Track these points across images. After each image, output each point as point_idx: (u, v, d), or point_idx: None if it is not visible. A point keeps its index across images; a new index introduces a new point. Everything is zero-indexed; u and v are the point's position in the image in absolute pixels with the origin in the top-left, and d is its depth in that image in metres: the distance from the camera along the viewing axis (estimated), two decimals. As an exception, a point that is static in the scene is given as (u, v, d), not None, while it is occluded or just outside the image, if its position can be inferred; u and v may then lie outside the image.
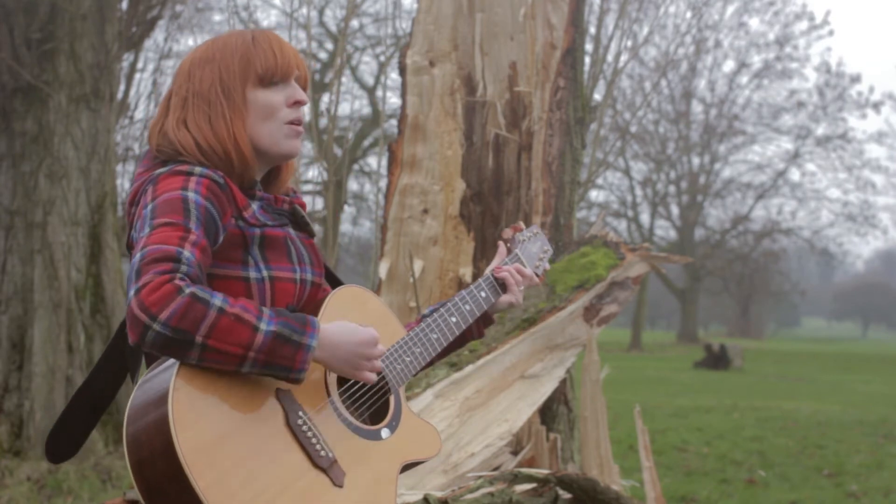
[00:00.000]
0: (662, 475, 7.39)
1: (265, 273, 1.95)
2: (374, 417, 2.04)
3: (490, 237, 5.00)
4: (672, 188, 36.56)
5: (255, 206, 1.99)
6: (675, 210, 37.01)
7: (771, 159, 37.40)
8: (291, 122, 2.03)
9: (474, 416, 4.13)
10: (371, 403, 2.04)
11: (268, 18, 22.24)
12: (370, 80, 23.53)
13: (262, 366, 1.74)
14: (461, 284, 4.93)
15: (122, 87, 9.29)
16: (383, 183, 6.03)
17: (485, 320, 2.35)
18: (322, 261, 2.12)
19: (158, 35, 10.74)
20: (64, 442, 2.02)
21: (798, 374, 21.78)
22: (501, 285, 2.35)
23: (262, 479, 1.74)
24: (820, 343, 49.15)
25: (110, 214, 7.95)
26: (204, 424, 1.70)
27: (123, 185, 10.12)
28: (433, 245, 5.03)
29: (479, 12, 5.13)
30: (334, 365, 1.87)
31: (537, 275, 2.44)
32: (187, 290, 1.69)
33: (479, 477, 3.64)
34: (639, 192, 35.71)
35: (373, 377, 1.92)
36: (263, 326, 1.73)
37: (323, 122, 8.26)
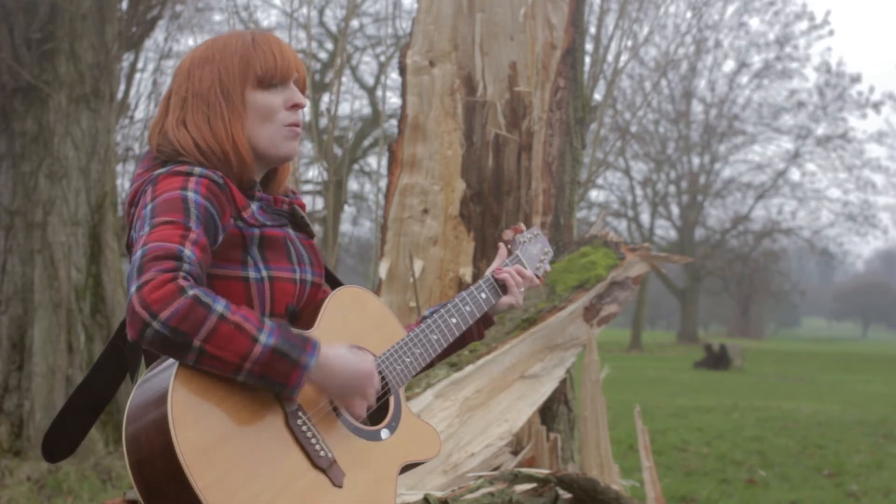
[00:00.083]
0: (662, 475, 7.39)
1: (264, 273, 1.95)
2: (374, 418, 2.03)
3: (490, 237, 5.00)
4: (672, 188, 36.58)
5: (254, 206, 1.99)
6: (675, 210, 37.03)
7: (771, 159, 37.45)
8: (290, 125, 2.03)
9: (474, 416, 4.13)
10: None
11: (268, 18, 22.25)
12: (370, 80, 23.55)
13: (257, 377, 1.74)
14: (461, 284, 4.93)
15: (122, 87, 9.29)
16: (383, 183, 6.03)
17: (485, 322, 2.35)
18: (322, 261, 2.12)
19: (158, 35, 10.74)
20: (61, 441, 2.02)
21: (798, 374, 21.77)
22: (502, 287, 2.34)
23: (261, 480, 1.74)
24: (820, 343, 49.15)
25: (110, 214, 7.95)
26: (203, 424, 1.70)
27: (123, 185, 10.12)
28: (433, 245, 5.03)
29: (479, 12, 5.13)
30: (329, 389, 1.87)
31: (538, 276, 2.44)
32: (190, 292, 1.69)
33: (479, 477, 3.64)
34: (639, 191, 35.74)
35: (363, 412, 1.92)
36: (263, 339, 1.72)
37: (323, 122, 8.26)
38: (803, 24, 47.51)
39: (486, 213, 5.03)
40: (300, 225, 2.10)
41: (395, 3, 11.51)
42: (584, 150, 5.30)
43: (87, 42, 7.80)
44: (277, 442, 1.79)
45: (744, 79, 34.38)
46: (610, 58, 6.79)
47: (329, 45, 21.98)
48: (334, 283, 2.15)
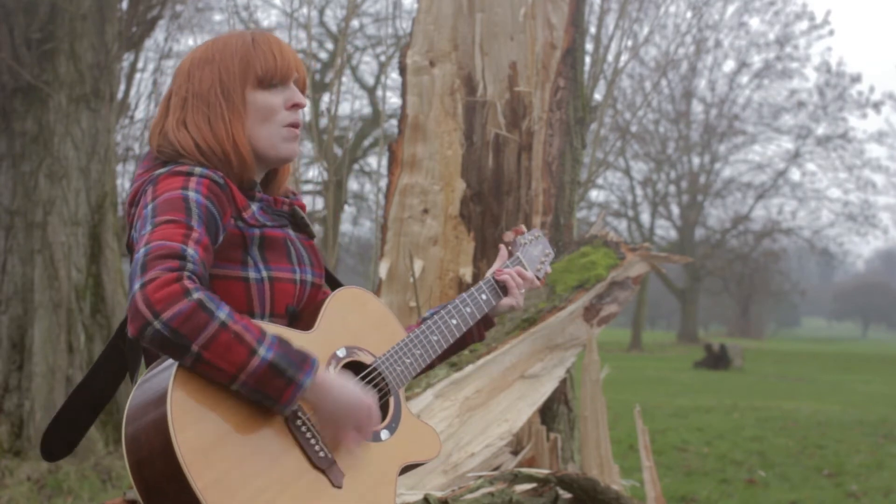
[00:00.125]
0: (662, 475, 7.39)
1: (265, 273, 1.95)
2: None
3: (490, 237, 5.00)
4: (672, 188, 36.58)
5: (254, 206, 1.99)
6: (675, 210, 37.03)
7: (771, 159, 37.43)
8: (289, 125, 2.03)
9: (474, 416, 4.13)
10: (371, 405, 2.03)
11: (268, 18, 22.25)
12: (370, 80, 23.56)
13: (251, 389, 1.73)
14: (461, 284, 4.93)
15: (122, 87, 9.29)
16: (383, 183, 6.03)
17: (485, 323, 2.34)
18: (322, 262, 2.12)
19: (158, 35, 10.73)
20: (60, 440, 2.02)
21: (798, 374, 21.78)
22: (502, 288, 2.34)
23: (260, 480, 1.74)
24: (820, 343, 49.15)
25: (110, 214, 7.95)
26: (203, 425, 1.70)
27: (123, 185, 10.13)
28: (433, 245, 5.03)
29: (479, 12, 5.13)
30: (321, 412, 1.83)
31: (538, 278, 2.43)
32: (195, 295, 1.69)
33: (479, 477, 3.64)
34: (639, 191, 35.74)
35: (354, 446, 1.87)
36: (262, 352, 1.72)
37: (323, 122, 8.26)
38: (803, 24, 47.51)
39: (486, 213, 5.03)
40: (300, 226, 2.10)
41: (395, 3, 11.52)
42: (584, 150, 5.30)
43: (87, 42, 7.80)
44: (277, 442, 1.79)
45: (744, 79, 34.42)
46: (610, 58, 6.80)
47: (329, 45, 21.99)
48: (334, 284, 2.15)
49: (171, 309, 1.67)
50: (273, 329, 1.82)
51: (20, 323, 7.48)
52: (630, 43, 9.51)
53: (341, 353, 1.98)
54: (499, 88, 5.08)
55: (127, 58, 9.22)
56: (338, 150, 14.42)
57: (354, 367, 2.02)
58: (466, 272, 4.94)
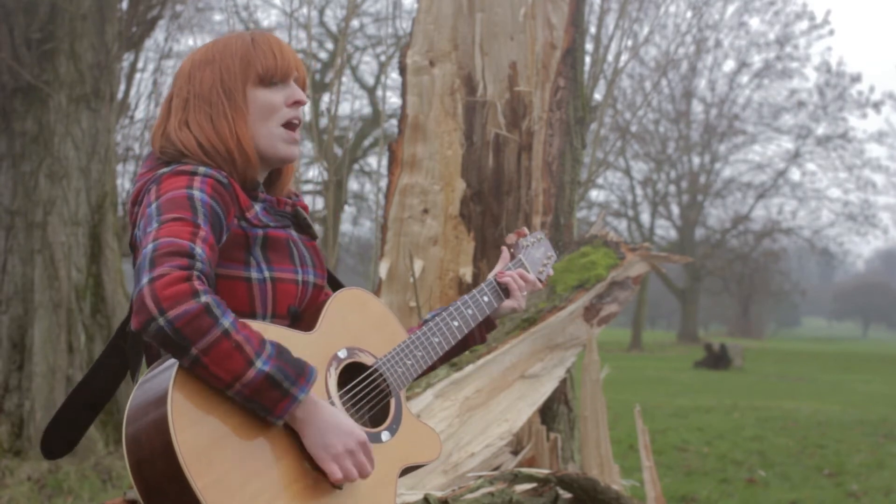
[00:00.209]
0: (662, 475, 7.39)
1: (267, 274, 1.95)
2: (375, 420, 2.03)
3: (490, 237, 5.00)
4: (672, 188, 36.57)
5: (257, 207, 1.99)
6: (675, 210, 37.02)
7: (771, 159, 37.42)
8: (291, 121, 2.03)
9: (474, 416, 4.13)
10: (371, 406, 2.03)
11: (268, 18, 22.27)
12: (370, 80, 23.56)
13: (246, 398, 1.73)
14: (461, 284, 4.93)
15: (122, 87, 9.29)
16: (383, 183, 6.04)
17: (487, 325, 2.34)
18: (324, 263, 2.12)
19: (158, 35, 10.73)
20: (60, 438, 2.02)
21: (798, 374, 21.77)
22: (504, 290, 2.34)
23: (260, 480, 1.74)
24: (820, 343, 49.14)
25: (110, 214, 7.95)
26: (203, 425, 1.70)
27: (124, 185, 10.12)
28: (433, 245, 5.03)
29: (479, 12, 5.13)
30: (309, 432, 1.79)
31: (540, 280, 2.43)
32: (203, 298, 1.69)
33: (480, 477, 3.64)
34: (639, 191, 35.74)
35: (337, 473, 1.79)
36: (259, 364, 1.72)
37: (323, 121, 8.27)
38: (803, 24, 47.48)
39: (487, 212, 5.03)
40: (303, 226, 2.10)
41: (395, 3, 11.52)
42: (584, 149, 5.30)
43: (87, 42, 7.80)
44: (277, 443, 1.79)
45: (744, 78, 34.42)
46: (610, 58, 6.80)
47: (329, 45, 21.99)
48: (336, 285, 2.15)
49: (178, 308, 1.67)
50: (274, 334, 1.82)
51: (20, 323, 7.48)
52: (630, 43, 9.52)
53: (342, 354, 1.98)
54: (499, 88, 5.08)
55: (127, 58, 9.22)
56: (338, 150, 14.43)
57: (355, 369, 2.02)
58: (466, 272, 4.94)
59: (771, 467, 8.42)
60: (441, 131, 5.10)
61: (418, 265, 4.97)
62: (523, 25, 5.08)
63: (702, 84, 34.37)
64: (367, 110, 23.61)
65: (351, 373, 2.00)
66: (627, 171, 34.08)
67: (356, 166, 23.04)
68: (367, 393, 2.02)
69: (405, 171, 5.14)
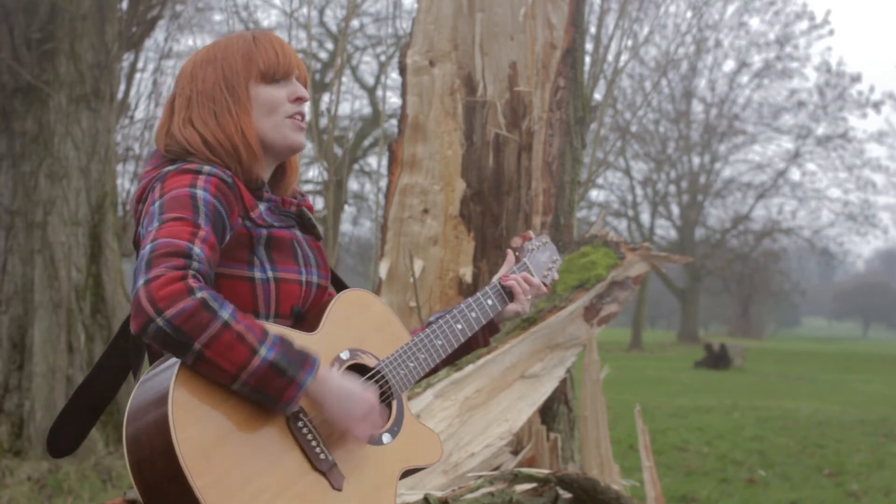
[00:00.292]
0: (662, 475, 7.39)
1: (270, 274, 1.95)
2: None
3: (490, 237, 5.00)
4: (672, 188, 36.58)
5: (262, 206, 1.99)
6: (675, 210, 37.03)
7: (771, 159, 37.45)
8: (294, 117, 2.03)
9: (474, 416, 4.13)
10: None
11: (268, 18, 22.27)
12: (370, 80, 23.57)
13: (252, 389, 1.73)
14: (461, 284, 4.93)
15: (122, 87, 9.29)
16: (383, 183, 6.03)
17: (490, 328, 2.34)
18: (328, 264, 2.12)
19: (159, 35, 10.73)
20: (65, 437, 2.03)
21: (798, 374, 21.77)
22: (508, 294, 2.33)
23: (260, 480, 1.74)
24: (820, 343, 49.14)
25: (110, 214, 7.95)
26: (204, 425, 1.70)
27: (124, 185, 10.12)
28: (433, 245, 5.03)
29: (479, 12, 5.13)
30: (325, 407, 1.82)
31: (545, 284, 2.43)
32: (199, 294, 1.69)
33: (480, 477, 3.64)
34: (639, 191, 35.74)
35: (364, 435, 1.88)
36: (263, 352, 1.72)
37: (323, 121, 8.27)
38: (803, 24, 47.51)
39: (487, 212, 5.03)
40: (308, 227, 2.10)
41: (395, 3, 11.52)
42: (584, 149, 5.30)
43: (87, 42, 7.80)
44: (278, 443, 1.79)
45: (744, 78, 34.43)
46: (610, 58, 6.79)
47: (329, 45, 21.99)
48: (340, 286, 2.15)
49: (175, 307, 1.67)
50: (276, 329, 1.82)
51: (20, 323, 7.48)
52: (630, 43, 9.52)
53: (345, 355, 1.98)
54: (499, 88, 5.08)
55: (127, 58, 9.22)
56: (338, 150, 14.43)
57: (358, 370, 2.01)
58: (466, 272, 4.94)
59: (771, 467, 8.42)
60: (441, 131, 5.10)
61: (418, 265, 4.97)
62: (523, 25, 5.08)
63: (702, 84, 34.42)
64: (367, 110, 23.64)
65: (354, 374, 2.00)
66: (627, 171, 34.09)
67: (356, 166, 23.05)
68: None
69: (405, 171, 5.14)
